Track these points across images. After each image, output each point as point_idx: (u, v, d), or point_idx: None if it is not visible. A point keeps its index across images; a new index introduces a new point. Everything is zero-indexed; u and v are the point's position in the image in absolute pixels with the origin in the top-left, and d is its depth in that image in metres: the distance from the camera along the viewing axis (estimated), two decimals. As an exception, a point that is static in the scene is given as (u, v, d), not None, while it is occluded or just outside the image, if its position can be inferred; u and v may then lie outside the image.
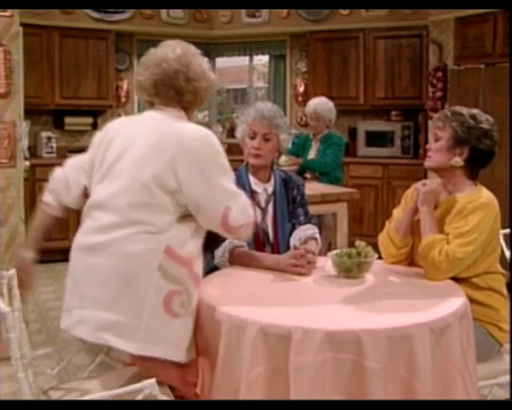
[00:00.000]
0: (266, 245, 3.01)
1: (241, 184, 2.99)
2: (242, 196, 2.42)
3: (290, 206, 3.08)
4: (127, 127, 2.47)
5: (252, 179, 3.03)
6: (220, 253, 2.84)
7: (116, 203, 2.32)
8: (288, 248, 2.95)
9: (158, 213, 2.31)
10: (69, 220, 5.38)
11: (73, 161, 2.56)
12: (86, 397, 2.18)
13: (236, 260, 2.82)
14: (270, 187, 3.06)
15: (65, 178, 2.51)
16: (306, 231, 3.01)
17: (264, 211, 3.03)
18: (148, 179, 2.29)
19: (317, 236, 3.04)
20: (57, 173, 2.55)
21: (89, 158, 2.51)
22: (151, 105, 2.49)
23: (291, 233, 3.04)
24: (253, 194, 3.01)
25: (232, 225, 2.34)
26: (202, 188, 2.31)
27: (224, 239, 2.78)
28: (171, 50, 2.48)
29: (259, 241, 2.98)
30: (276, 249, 3.00)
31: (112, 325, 2.26)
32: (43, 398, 2.25)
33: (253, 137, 3.00)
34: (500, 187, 4.39)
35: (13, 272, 2.44)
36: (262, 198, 3.04)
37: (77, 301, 2.36)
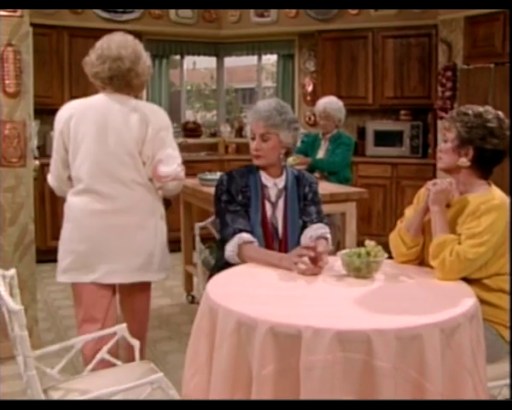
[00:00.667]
0: (275, 240, 3.02)
1: (252, 178, 3.03)
2: (178, 160, 3.10)
3: (301, 202, 3.08)
4: (88, 112, 3.06)
5: (262, 174, 3.06)
6: (230, 247, 2.88)
7: (116, 175, 3.01)
8: (297, 244, 2.95)
9: (142, 174, 3.06)
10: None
11: (59, 171, 3.14)
12: (96, 393, 2.19)
13: (244, 254, 2.86)
14: (281, 182, 3.08)
15: (61, 188, 3.21)
16: (317, 230, 3.01)
17: (274, 205, 3.05)
18: (133, 148, 3.00)
19: (328, 235, 3.04)
20: (53, 184, 3.23)
21: (64, 152, 3.09)
22: (102, 89, 3.14)
23: (302, 230, 3.04)
24: (263, 188, 3.03)
25: (160, 175, 3.05)
26: (160, 148, 3.03)
27: (233, 234, 2.87)
28: (124, 48, 3.06)
29: (269, 235, 3.00)
30: (284, 244, 3.02)
31: (140, 266, 3.09)
32: (43, 397, 2.24)
33: (253, 138, 3.03)
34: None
35: (13, 271, 2.48)
36: (272, 192, 3.06)
37: (99, 257, 3.04)
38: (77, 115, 3.04)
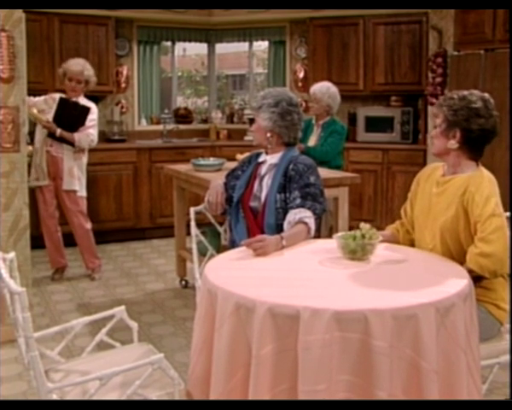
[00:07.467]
0: (252, 203, 3.29)
1: (255, 156, 3.45)
2: (91, 137, 5.32)
3: (282, 177, 3.20)
4: None
5: (263, 153, 3.39)
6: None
7: None
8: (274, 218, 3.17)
9: None
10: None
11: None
12: (98, 374, 2.22)
13: None
14: (272, 159, 3.30)
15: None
16: (296, 215, 3.04)
17: (261, 178, 3.31)
18: None
19: (307, 220, 3.01)
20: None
21: None
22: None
23: (285, 212, 3.12)
24: (257, 164, 3.37)
25: (77, 144, 5.23)
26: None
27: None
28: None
29: (246, 200, 3.31)
30: (261, 215, 3.23)
31: None
32: (45, 378, 2.26)
33: None
34: (499, 172, 4.42)
35: (13, 254, 2.50)
36: (264, 167, 3.33)
37: None
38: None
